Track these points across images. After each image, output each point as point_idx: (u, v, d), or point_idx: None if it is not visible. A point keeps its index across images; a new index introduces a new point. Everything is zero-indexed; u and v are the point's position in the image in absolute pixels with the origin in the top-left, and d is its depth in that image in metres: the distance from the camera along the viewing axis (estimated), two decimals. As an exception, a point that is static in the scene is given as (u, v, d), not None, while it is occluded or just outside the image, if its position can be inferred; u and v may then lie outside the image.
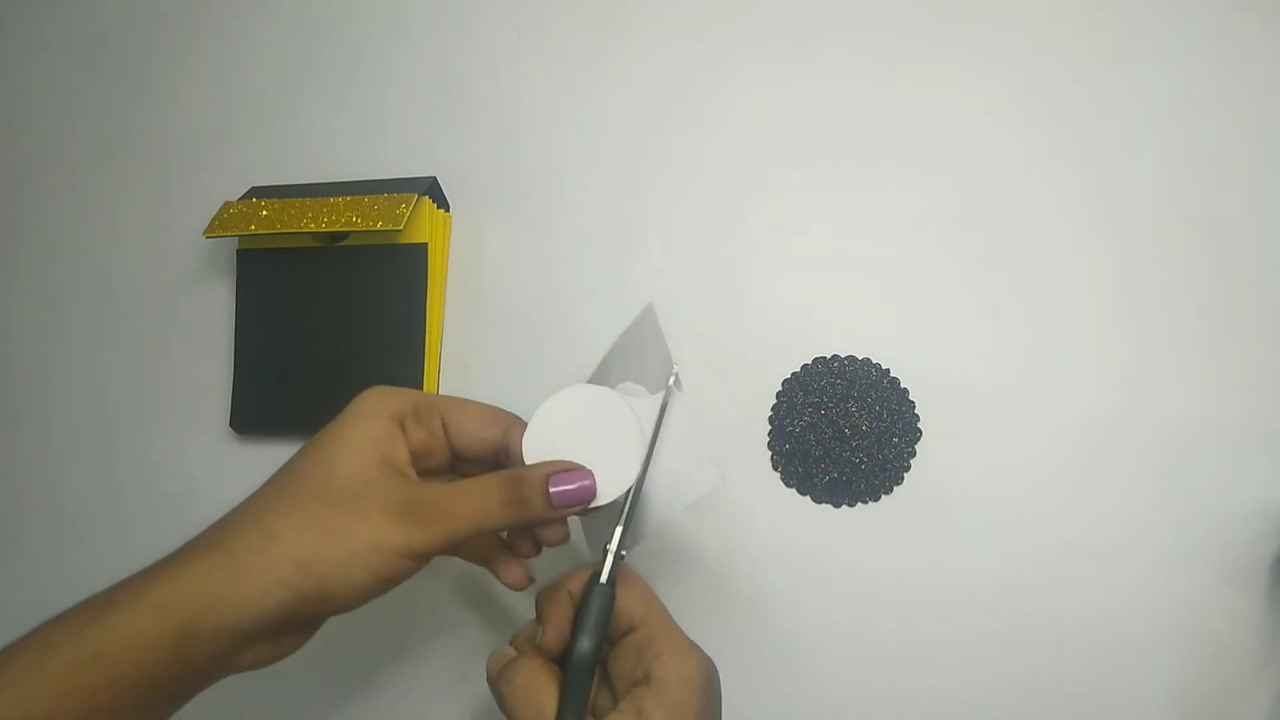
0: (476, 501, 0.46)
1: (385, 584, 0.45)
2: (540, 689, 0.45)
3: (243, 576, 0.43)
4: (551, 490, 0.46)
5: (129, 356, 0.69)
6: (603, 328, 0.59)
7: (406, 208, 0.60)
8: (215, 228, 0.62)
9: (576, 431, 0.48)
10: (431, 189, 0.64)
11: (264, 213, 0.62)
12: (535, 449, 0.48)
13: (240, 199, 0.65)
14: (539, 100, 0.67)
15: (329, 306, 0.64)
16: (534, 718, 0.44)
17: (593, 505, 0.47)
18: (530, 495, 0.46)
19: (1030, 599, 0.56)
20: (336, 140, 0.69)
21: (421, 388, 0.63)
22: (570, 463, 0.47)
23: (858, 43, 0.64)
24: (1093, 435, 0.57)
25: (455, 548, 0.48)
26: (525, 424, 0.49)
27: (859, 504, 0.58)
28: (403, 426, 0.48)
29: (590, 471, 0.47)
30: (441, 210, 0.65)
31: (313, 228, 0.61)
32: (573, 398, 0.49)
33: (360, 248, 0.64)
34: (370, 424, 0.47)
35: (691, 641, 0.47)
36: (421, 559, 0.45)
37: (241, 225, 0.62)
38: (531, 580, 0.50)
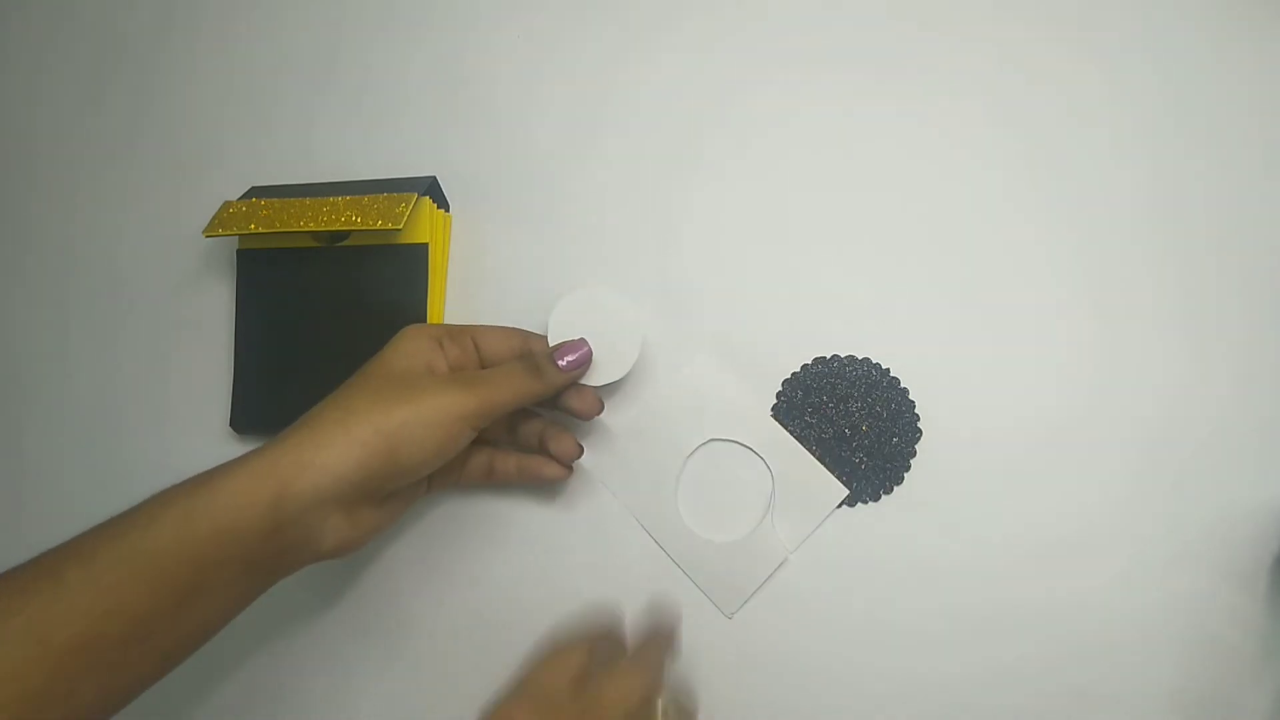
0: (508, 374, 0.56)
1: (444, 444, 0.53)
2: None
3: (326, 442, 0.50)
4: (558, 359, 0.57)
5: (129, 356, 0.69)
6: None
7: (406, 207, 0.60)
8: (215, 227, 0.62)
9: (588, 323, 0.59)
10: (431, 189, 0.64)
11: (264, 212, 0.62)
12: (557, 335, 0.59)
13: (240, 198, 0.64)
14: (539, 100, 0.67)
15: (329, 306, 0.64)
16: None
17: (603, 382, 0.59)
18: (543, 364, 0.57)
19: (1030, 599, 0.56)
20: (337, 140, 0.69)
21: None
22: (568, 340, 0.58)
23: (857, 48, 0.64)
24: (1093, 435, 0.57)
25: (496, 419, 0.55)
26: (540, 336, 0.59)
27: (859, 504, 0.58)
28: (440, 345, 0.57)
29: (584, 340, 0.58)
30: (441, 210, 0.65)
31: (312, 227, 0.61)
32: (584, 295, 0.59)
33: (360, 247, 0.64)
34: (414, 342, 0.56)
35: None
36: (473, 422, 0.53)
37: (241, 224, 0.62)
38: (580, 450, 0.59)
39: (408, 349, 0.56)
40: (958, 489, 0.58)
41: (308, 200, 0.63)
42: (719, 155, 0.64)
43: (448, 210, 0.66)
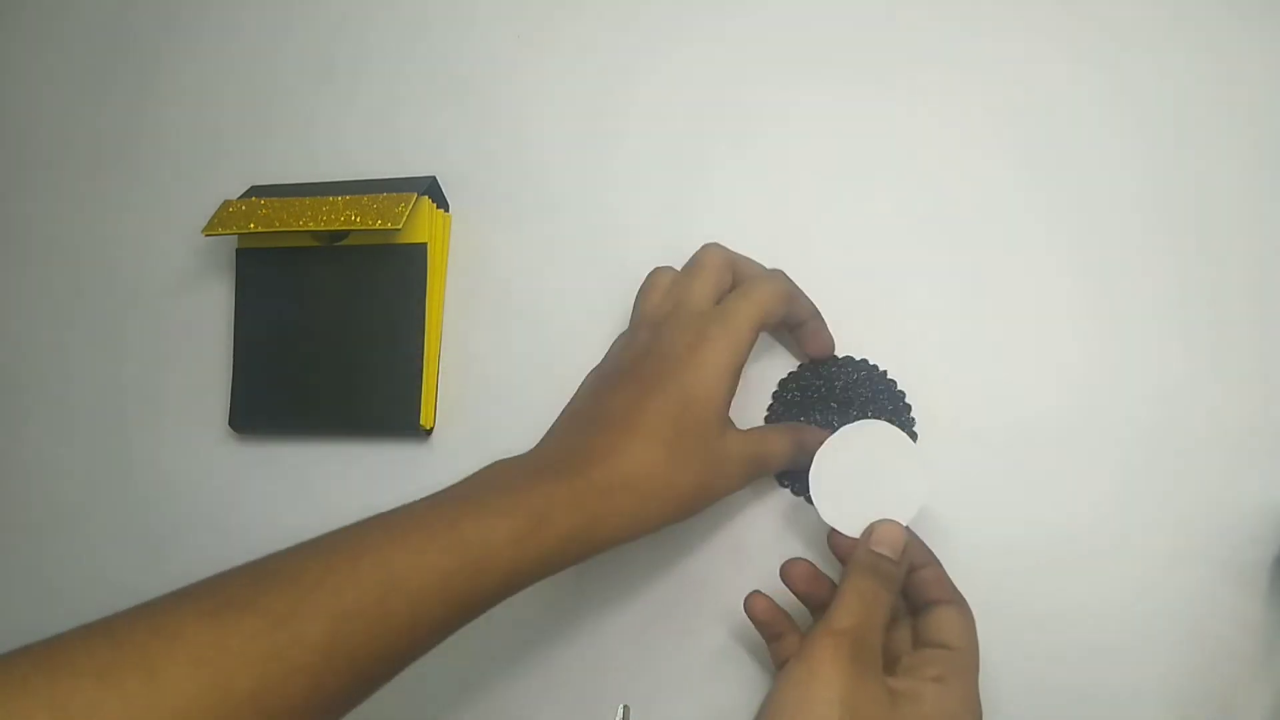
0: (783, 452, 0.55)
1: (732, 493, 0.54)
2: None
3: (648, 513, 0.49)
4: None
5: (127, 355, 0.69)
6: (602, 328, 0.60)
7: (405, 207, 0.60)
8: (215, 226, 0.62)
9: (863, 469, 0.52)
10: (431, 189, 0.64)
11: (263, 211, 0.62)
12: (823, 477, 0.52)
13: (240, 198, 0.64)
14: (539, 100, 0.67)
15: (328, 306, 0.64)
16: None
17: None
18: (804, 449, 0.54)
19: (1029, 599, 0.56)
20: (336, 140, 0.69)
21: (420, 389, 0.63)
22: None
23: (857, 46, 0.63)
24: (1092, 435, 0.57)
25: None
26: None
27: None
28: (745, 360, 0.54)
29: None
30: (441, 210, 0.65)
31: (312, 226, 0.61)
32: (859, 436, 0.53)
33: (360, 247, 0.64)
34: (732, 372, 0.53)
35: (975, 694, 0.49)
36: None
37: (241, 223, 0.62)
38: None
39: (727, 389, 0.53)
40: (957, 488, 0.57)
41: (307, 200, 0.63)
42: (719, 154, 0.64)
43: (447, 210, 0.66)
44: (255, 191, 0.65)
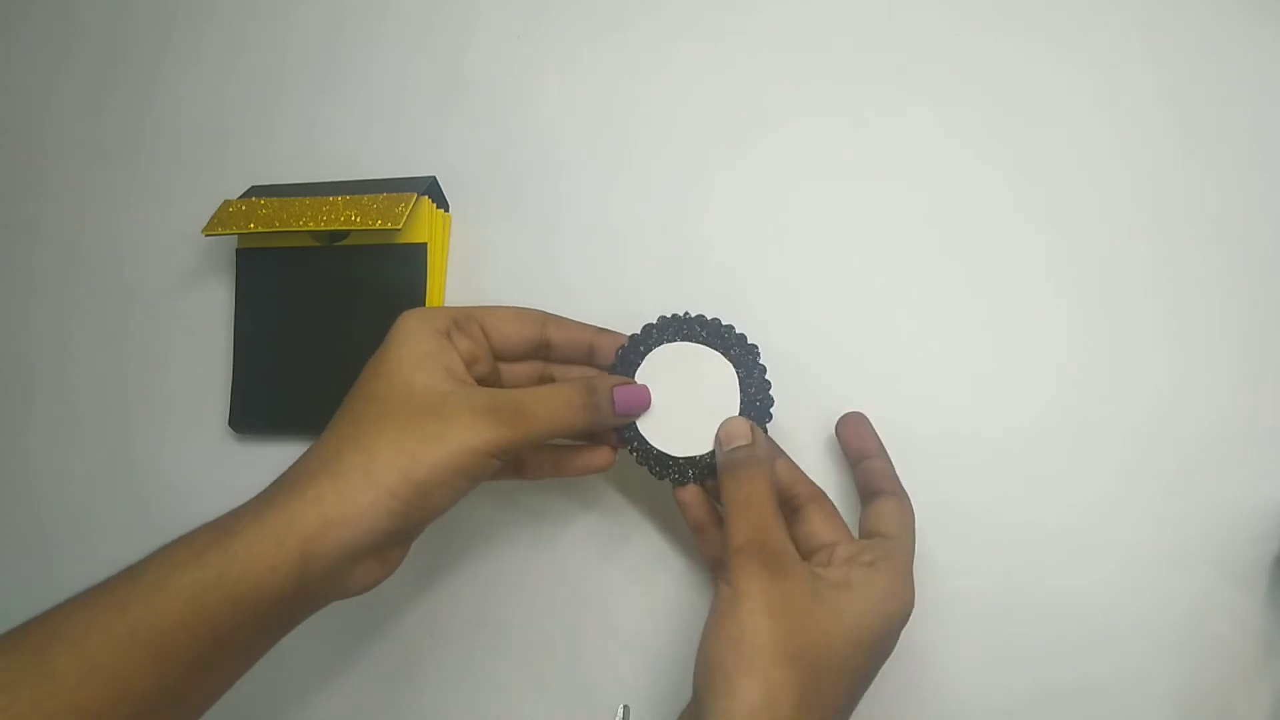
0: (557, 404, 0.50)
1: (475, 482, 0.49)
2: None
3: (353, 496, 0.46)
4: (616, 396, 0.52)
5: (127, 355, 0.69)
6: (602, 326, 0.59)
7: (405, 207, 0.60)
8: (214, 225, 0.62)
9: (678, 385, 0.54)
10: (431, 189, 0.64)
11: (263, 211, 0.62)
12: (646, 373, 0.54)
13: (240, 197, 0.64)
14: (538, 100, 0.67)
15: (328, 306, 0.64)
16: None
17: (680, 454, 0.53)
18: (601, 401, 0.52)
19: (1028, 599, 0.56)
20: (337, 140, 0.69)
21: None
22: (632, 381, 0.54)
23: (856, 50, 0.64)
24: (1092, 434, 0.57)
25: (527, 451, 0.54)
26: (555, 317, 0.55)
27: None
28: (449, 338, 0.51)
29: (646, 388, 0.53)
30: (441, 210, 0.65)
31: (312, 226, 0.61)
32: (690, 349, 0.54)
33: (360, 247, 0.64)
34: (421, 341, 0.50)
35: (910, 581, 0.50)
36: (505, 457, 0.49)
37: (241, 223, 0.62)
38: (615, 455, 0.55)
39: (417, 353, 0.50)
40: (956, 488, 0.58)
41: (307, 200, 0.63)
42: (720, 153, 0.64)
43: (447, 210, 0.66)
44: (255, 191, 0.65)
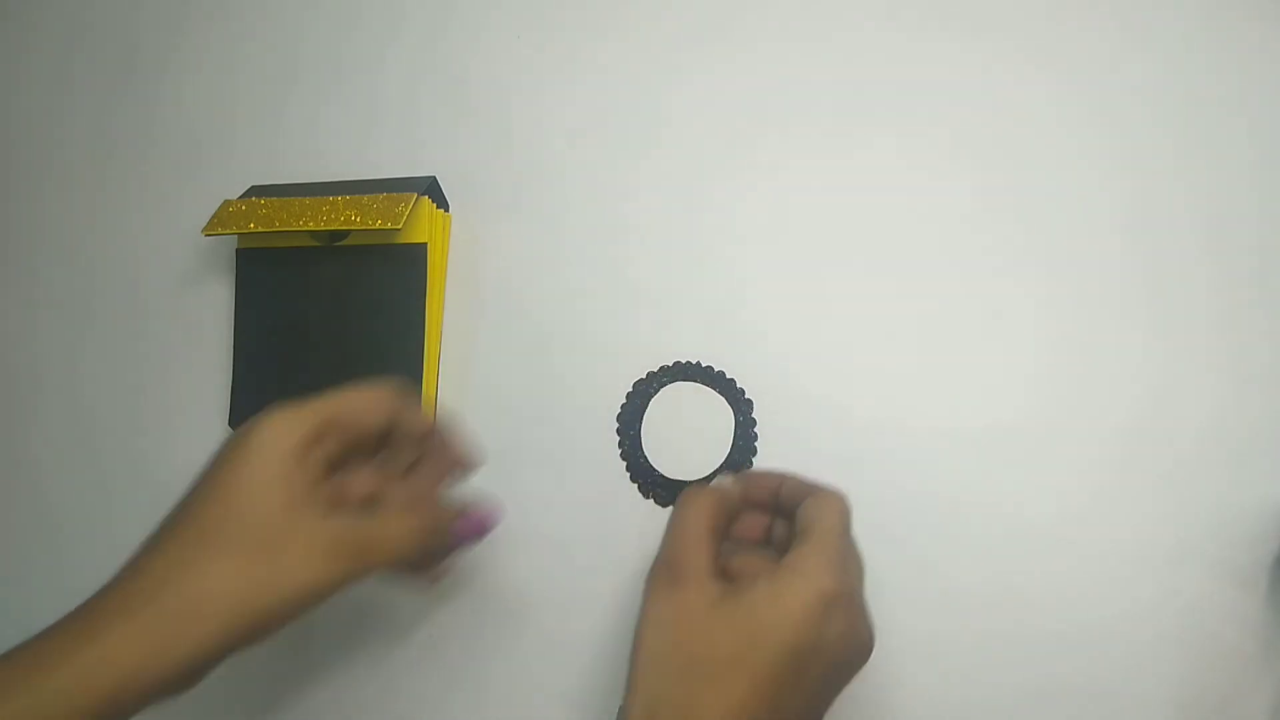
0: (400, 536, 0.49)
1: (312, 610, 0.46)
2: None
3: (169, 642, 0.42)
4: (454, 529, 0.52)
5: (128, 355, 0.69)
6: (602, 326, 0.61)
7: (406, 207, 0.60)
8: (214, 225, 0.63)
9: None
10: (431, 189, 0.64)
11: (263, 211, 0.62)
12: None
13: (240, 198, 0.65)
14: (539, 100, 0.67)
15: (328, 306, 0.64)
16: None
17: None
18: (441, 533, 0.51)
19: (1027, 599, 0.56)
20: (336, 140, 0.69)
21: (420, 387, 0.63)
22: (477, 505, 0.53)
23: (858, 43, 0.64)
24: (1091, 436, 0.57)
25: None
26: (409, 405, 0.52)
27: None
28: (307, 452, 0.48)
29: (496, 508, 0.53)
30: (441, 210, 0.65)
31: (312, 226, 0.61)
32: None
33: (360, 247, 0.64)
34: (271, 463, 0.47)
35: (826, 563, 0.47)
36: (347, 587, 0.47)
37: (241, 223, 0.62)
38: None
39: (265, 477, 0.46)
40: (955, 488, 0.58)
41: (307, 200, 0.63)
42: (720, 156, 0.64)
43: (447, 210, 0.66)
44: (255, 191, 0.65)
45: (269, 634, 0.45)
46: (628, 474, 0.60)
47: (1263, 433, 0.55)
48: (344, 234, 0.64)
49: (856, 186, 0.62)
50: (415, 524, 0.50)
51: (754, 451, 0.59)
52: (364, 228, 0.60)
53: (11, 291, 0.73)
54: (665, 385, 0.60)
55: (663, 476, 0.59)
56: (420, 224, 0.63)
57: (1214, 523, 0.55)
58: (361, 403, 0.51)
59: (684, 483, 0.58)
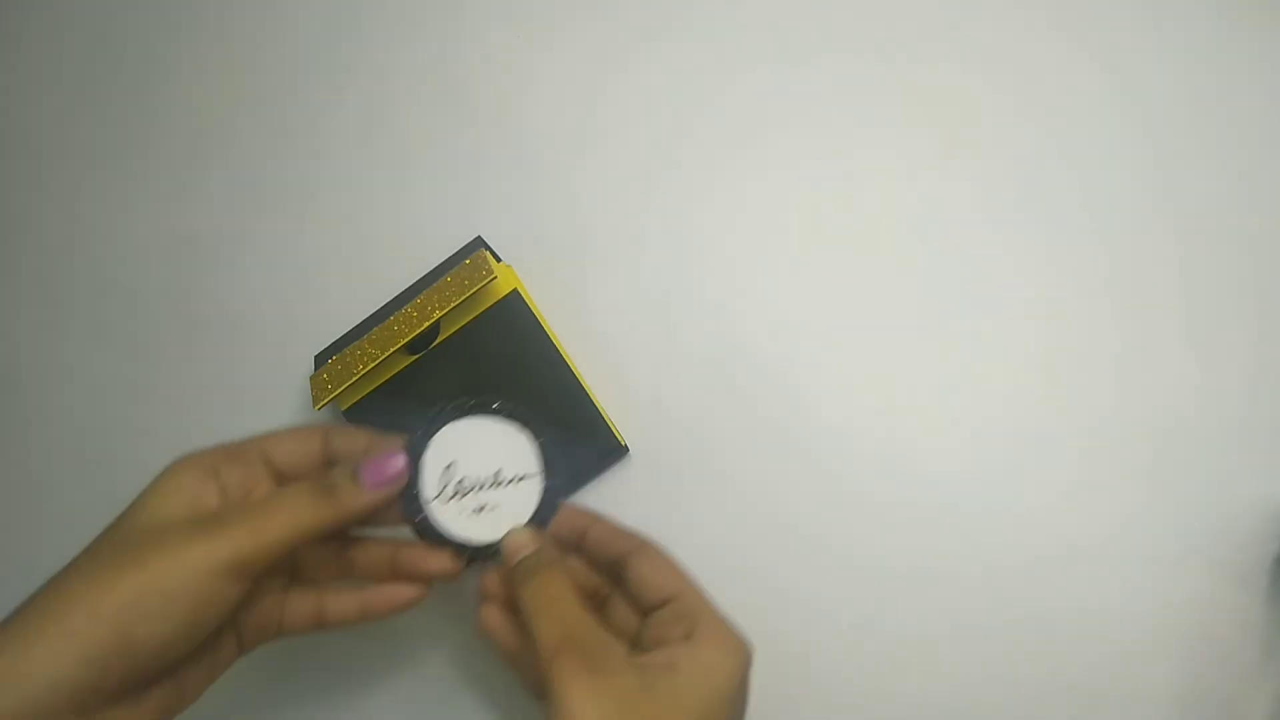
0: (282, 501, 0.45)
1: (197, 612, 0.42)
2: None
3: (33, 640, 0.40)
4: (361, 474, 0.47)
5: (127, 355, 0.70)
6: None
7: (484, 266, 0.58)
8: (321, 396, 0.59)
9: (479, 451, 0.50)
10: (482, 245, 0.63)
11: (356, 354, 0.60)
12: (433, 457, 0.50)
13: (319, 369, 0.62)
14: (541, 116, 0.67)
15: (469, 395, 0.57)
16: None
17: (483, 540, 0.50)
18: (339, 481, 0.46)
19: (1028, 599, 0.57)
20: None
21: (600, 415, 0.61)
22: (379, 450, 0.48)
23: (865, 49, 0.64)
24: (1091, 434, 0.58)
25: (279, 560, 0.45)
26: (337, 428, 0.50)
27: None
28: (216, 474, 0.46)
29: (400, 451, 0.48)
30: (503, 264, 0.65)
31: (410, 333, 0.58)
32: (481, 424, 0.51)
33: (459, 332, 0.62)
34: (175, 479, 0.45)
35: (729, 625, 0.48)
36: (235, 575, 0.43)
37: (345, 377, 0.59)
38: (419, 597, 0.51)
39: (166, 489, 0.44)
40: (953, 488, 0.59)
41: (386, 323, 0.60)
42: (716, 154, 0.65)
43: (501, 260, 0.65)
44: (327, 353, 0.64)
45: (142, 641, 0.41)
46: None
47: (1263, 433, 0.55)
48: (434, 334, 0.61)
49: (846, 183, 0.63)
50: (307, 482, 0.47)
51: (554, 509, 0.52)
52: (462, 298, 0.57)
53: (10, 291, 0.72)
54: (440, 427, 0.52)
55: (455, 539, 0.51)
56: (501, 277, 0.61)
57: (1213, 522, 0.56)
58: (285, 433, 0.49)
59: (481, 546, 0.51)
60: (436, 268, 0.65)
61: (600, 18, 0.67)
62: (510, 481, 0.50)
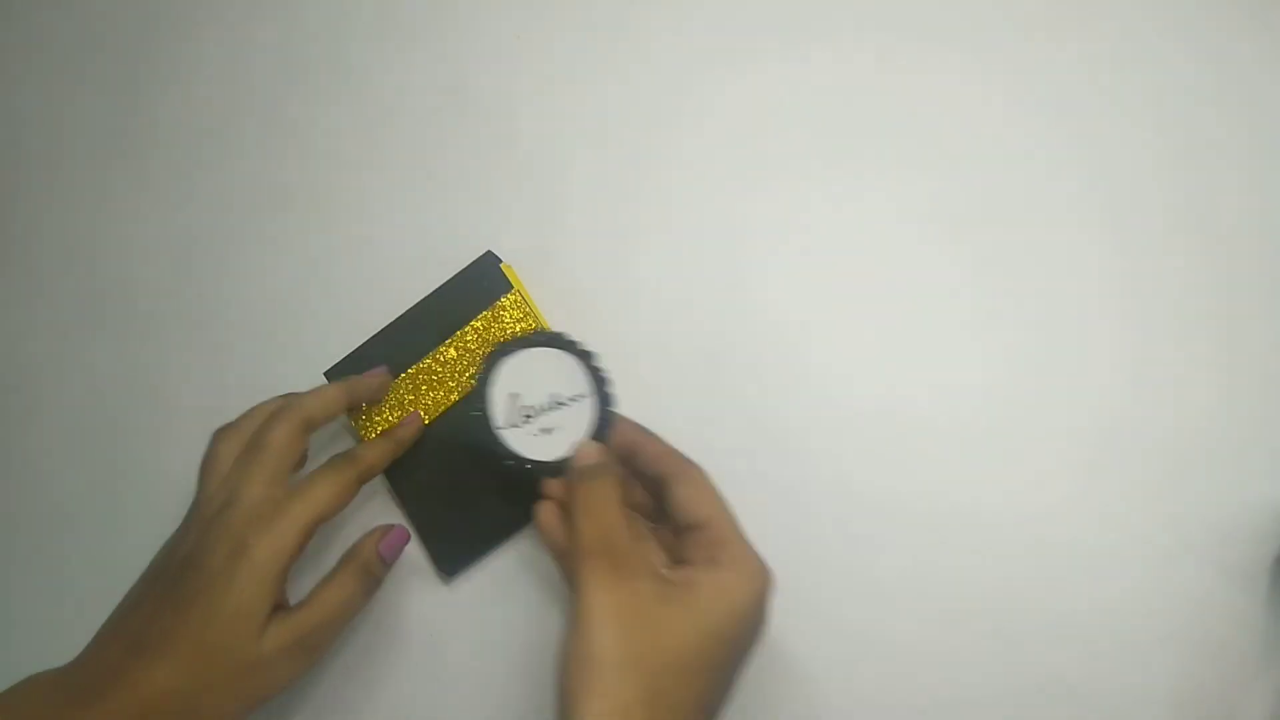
0: (343, 599, 0.54)
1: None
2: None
3: None
4: (381, 552, 0.56)
5: (129, 356, 0.70)
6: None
7: (509, 305, 0.63)
8: (367, 428, 0.63)
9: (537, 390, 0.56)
10: (492, 258, 0.66)
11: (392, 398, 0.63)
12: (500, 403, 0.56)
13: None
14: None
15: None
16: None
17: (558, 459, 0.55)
18: (374, 569, 0.55)
19: (1029, 599, 0.57)
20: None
21: None
22: (384, 526, 0.57)
23: (863, 44, 0.64)
24: (1092, 435, 0.58)
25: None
26: (356, 379, 0.59)
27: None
28: (286, 571, 0.52)
29: (401, 526, 0.58)
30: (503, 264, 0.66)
31: (454, 396, 0.63)
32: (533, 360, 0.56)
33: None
34: (271, 580, 0.51)
35: (754, 552, 0.49)
36: (301, 645, 0.52)
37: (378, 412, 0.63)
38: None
39: (249, 598, 0.50)
40: (953, 489, 0.59)
41: (417, 366, 0.63)
42: (716, 153, 0.66)
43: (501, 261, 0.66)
44: (344, 366, 0.65)
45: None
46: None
47: (1263, 432, 0.54)
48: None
49: (837, 186, 0.63)
50: (351, 582, 0.54)
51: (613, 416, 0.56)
52: (487, 341, 0.62)
53: (11, 292, 0.73)
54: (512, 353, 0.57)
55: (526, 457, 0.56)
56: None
57: (1213, 522, 0.56)
58: (324, 392, 0.57)
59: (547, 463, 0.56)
60: (446, 284, 0.66)
61: (601, 25, 0.69)
62: (568, 402, 0.55)
